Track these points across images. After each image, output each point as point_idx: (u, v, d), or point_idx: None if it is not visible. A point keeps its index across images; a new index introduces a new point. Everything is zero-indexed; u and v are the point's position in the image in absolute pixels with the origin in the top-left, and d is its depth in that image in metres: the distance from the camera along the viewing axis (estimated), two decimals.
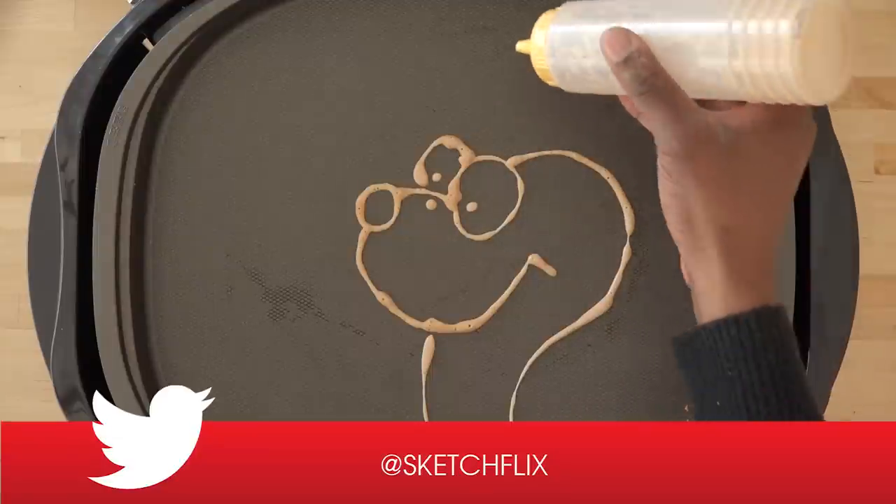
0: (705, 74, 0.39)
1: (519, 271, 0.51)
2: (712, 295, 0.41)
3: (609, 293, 0.51)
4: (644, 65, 0.40)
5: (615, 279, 0.51)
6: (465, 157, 0.52)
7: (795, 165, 0.42)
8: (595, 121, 0.52)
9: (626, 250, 0.51)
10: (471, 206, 0.52)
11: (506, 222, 0.52)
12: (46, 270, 0.51)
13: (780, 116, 0.40)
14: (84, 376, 0.50)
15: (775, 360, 0.40)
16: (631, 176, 0.52)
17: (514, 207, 0.52)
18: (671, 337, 0.43)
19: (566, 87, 0.46)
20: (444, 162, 0.52)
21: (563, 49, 0.44)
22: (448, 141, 0.52)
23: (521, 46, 0.47)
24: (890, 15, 0.61)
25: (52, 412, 0.51)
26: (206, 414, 0.51)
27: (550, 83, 0.47)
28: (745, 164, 0.40)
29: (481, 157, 0.52)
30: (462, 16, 0.52)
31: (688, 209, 0.41)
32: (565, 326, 0.51)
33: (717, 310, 0.41)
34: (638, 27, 0.40)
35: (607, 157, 0.51)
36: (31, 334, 0.51)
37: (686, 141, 0.40)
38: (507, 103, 0.52)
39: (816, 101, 0.37)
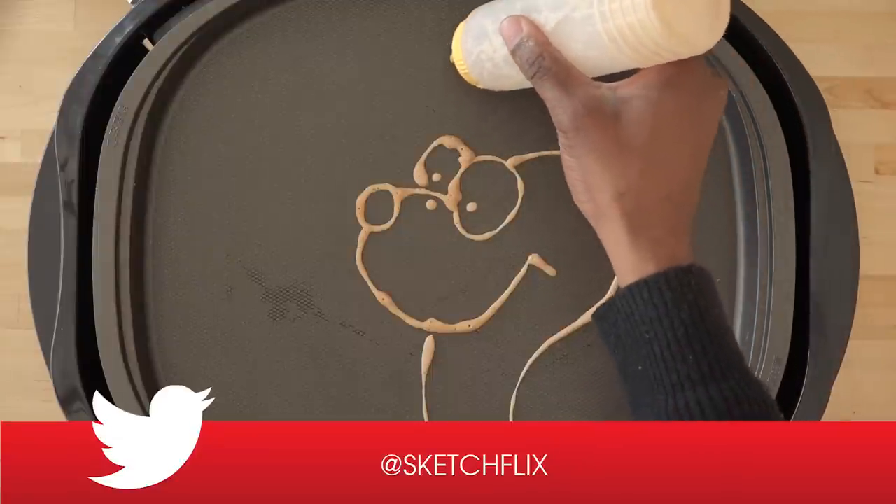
0: (589, 48, 0.40)
1: (519, 271, 0.51)
2: (621, 261, 0.42)
3: (609, 293, 0.51)
4: (532, 48, 0.41)
5: (615, 279, 0.51)
6: (465, 157, 0.52)
7: (697, 123, 0.42)
8: None
9: None
10: (471, 206, 0.52)
11: (506, 222, 0.52)
12: (46, 270, 0.51)
13: (669, 77, 0.41)
14: (84, 376, 0.50)
15: (688, 318, 0.40)
16: None
17: (514, 207, 0.52)
18: (592, 314, 0.44)
19: (490, 86, 0.48)
20: (444, 162, 0.52)
21: (475, 49, 0.46)
22: (448, 141, 0.52)
23: (452, 58, 0.50)
24: (890, 15, 0.61)
25: (52, 412, 0.51)
26: (206, 414, 0.51)
27: (479, 86, 0.49)
28: (633, 128, 0.41)
29: (481, 157, 0.52)
30: (462, 16, 0.52)
31: (585, 180, 0.43)
32: (565, 326, 0.51)
33: (628, 274, 0.42)
34: (529, 15, 0.42)
35: None
36: (31, 334, 0.51)
37: (574, 114, 0.41)
38: (507, 103, 0.52)
39: (690, 52, 0.38)
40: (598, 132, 0.41)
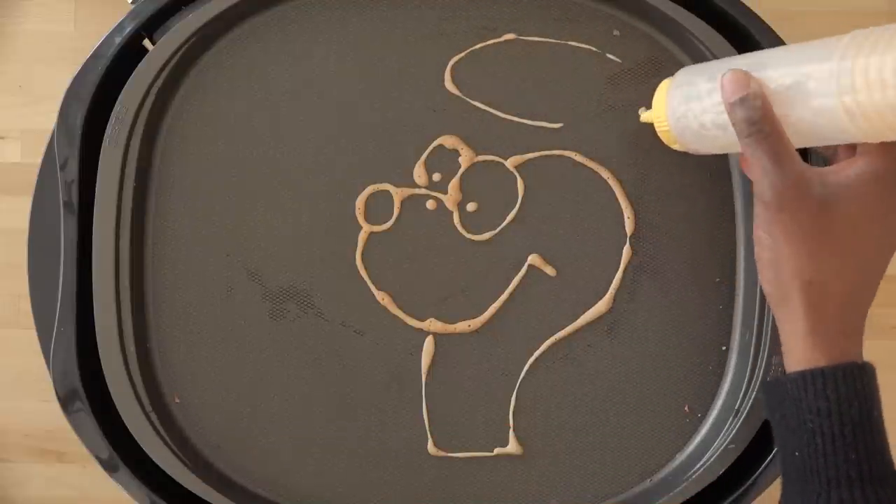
0: (818, 116, 0.39)
1: (519, 271, 0.51)
2: (795, 347, 0.42)
3: (609, 293, 0.51)
4: (756, 107, 0.40)
5: (615, 279, 0.51)
6: (465, 157, 0.52)
7: (894, 226, 0.41)
8: (595, 121, 0.52)
9: (627, 250, 0.51)
10: (471, 206, 0.52)
11: (506, 222, 0.52)
12: (46, 270, 0.51)
13: (882, 171, 0.40)
14: (84, 376, 0.50)
15: (857, 416, 0.39)
16: (631, 176, 0.52)
17: (514, 207, 0.52)
18: (761, 381, 0.45)
19: (688, 148, 0.47)
20: (444, 162, 0.52)
21: (681, 108, 0.45)
22: (448, 141, 0.52)
23: (644, 116, 0.49)
24: (890, 15, 0.61)
25: (52, 412, 0.51)
26: (207, 415, 0.51)
27: (674, 147, 0.48)
28: (836, 220, 0.40)
29: (481, 157, 0.52)
30: (462, 16, 0.52)
31: (775, 260, 0.42)
32: (565, 326, 0.51)
33: (799, 362, 0.41)
34: (754, 72, 0.41)
35: (607, 157, 0.52)
36: (31, 334, 0.51)
37: (779, 191, 0.40)
38: (507, 103, 0.52)
39: None
40: (801, 215, 0.40)
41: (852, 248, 0.41)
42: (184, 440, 0.51)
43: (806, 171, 0.40)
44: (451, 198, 0.52)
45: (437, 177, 0.52)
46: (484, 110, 0.52)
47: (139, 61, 0.51)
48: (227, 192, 0.52)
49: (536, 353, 0.51)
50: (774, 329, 0.49)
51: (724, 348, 0.51)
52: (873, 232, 0.41)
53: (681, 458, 0.51)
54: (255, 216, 0.52)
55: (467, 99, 0.52)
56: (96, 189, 0.50)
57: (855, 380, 0.40)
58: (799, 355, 0.41)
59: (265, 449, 0.51)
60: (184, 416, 0.51)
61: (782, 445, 0.42)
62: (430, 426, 0.51)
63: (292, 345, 0.51)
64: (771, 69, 0.41)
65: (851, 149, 0.42)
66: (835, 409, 0.40)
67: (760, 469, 0.49)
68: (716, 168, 0.52)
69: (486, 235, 0.52)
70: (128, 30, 0.51)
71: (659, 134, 0.48)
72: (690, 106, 0.45)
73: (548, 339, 0.51)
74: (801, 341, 0.41)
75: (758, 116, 0.40)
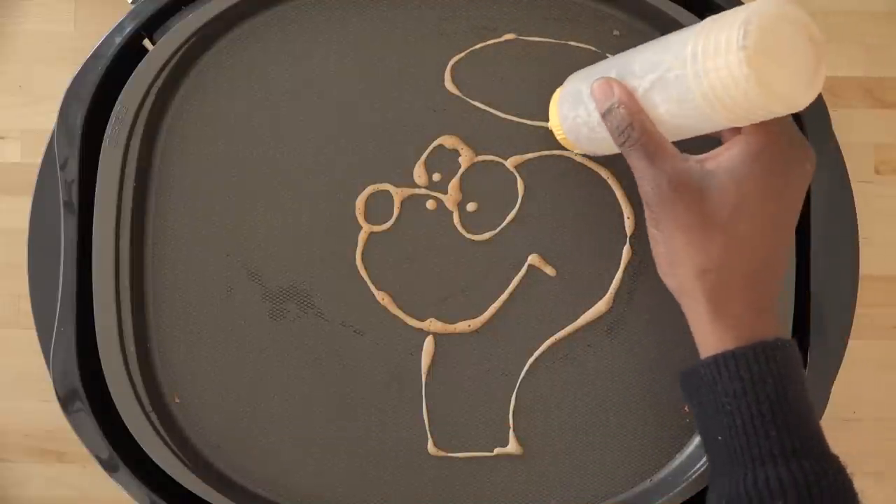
0: (682, 108, 0.39)
1: (519, 271, 0.51)
2: (703, 336, 0.42)
3: (609, 293, 0.51)
4: (622, 114, 0.41)
5: (615, 279, 0.51)
6: (465, 157, 0.52)
7: (782, 199, 0.41)
8: None
9: (626, 250, 0.51)
10: (471, 206, 0.52)
11: (506, 222, 0.52)
12: (46, 270, 0.51)
13: (755, 151, 0.40)
14: (84, 376, 0.50)
15: (773, 393, 0.40)
16: (631, 176, 0.51)
17: (514, 207, 0.52)
18: (679, 373, 0.44)
19: (588, 151, 0.48)
20: (444, 162, 0.52)
21: (571, 114, 0.46)
22: (448, 141, 0.52)
23: (549, 124, 0.49)
24: (890, 15, 0.61)
25: (52, 412, 0.51)
26: (207, 415, 0.51)
27: (576, 151, 0.49)
28: (717, 203, 0.40)
29: (481, 157, 0.52)
30: (462, 16, 0.52)
31: (668, 254, 0.42)
32: (565, 326, 0.51)
33: (710, 348, 0.42)
34: (624, 78, 0.42)
35: (607, 157, 0.51)
36: (31, 334, 0.51)
37: (659, 188, 0.41)
38: (507, 103, 0.52)
39: (787, 109, 0.37)
40: (682, 207, 0.41)
41: (739, 229, 0.41)
42: (184, 440, 0.51)
43: (683, 164, 0.41)
44: (451, 198, 0.52)
45: (437, 177, 0.52)
46: (484, 110, 0.52)
47: (139, 61, 0.51)
48: (227, 192, 0.52)
49: (536, 353, 0.51)
50: None
51: None
52: (757, 210, 0.41)
53: (681, 458, 0.51)
54: (255, 216, 0.52)
55: (467, 99, 0.52)
56: (96, 189, 0.50)
57: (767, 358, 0.40)
58: (708, 342, 0.42)
59: (265, 449, 0.51)
60: (184, 416, 0.51)
61: (705, 433, 0.43)
62: (430, 426, 0.51)
63: (292, 345, 0.51)
64: (638, 66, 0.41)
65: (738, 130, 0.42)
66: (749, 389, 0.40)
67: None
68: None
69: (486, 235, 0.52)
70: (128, 30, 0.51)
71: (559, 141, 0.49)
72: (578, 111, 0.45)
73: (548, 339, 0.51)
74: (708, 328, 0.42)
75: (625, 124, 0.41)
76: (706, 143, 0.43)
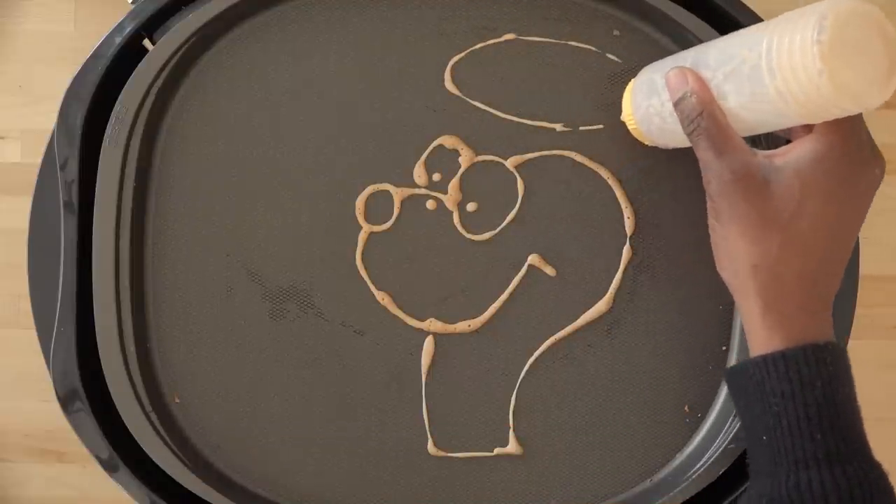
0: (755, 102, 0.39)
1: (519, 271, 0.51)
2: (754, 332, 0.42)
3: (609, 293, 0.51)
4: (693, 103, 0.41)
5: (615, 279, 0.51)
6: (465, 157, 0.52)
7: (846, 201, 0.41)
8: (595, 121, 0.52)
9: (626, 250, 0.51)
10: (471, 206, 0.52)
11: (506, 222, 0.52)
12: (46, 270, 0.51)
13: (824, 151, 0.40)
14: (84, 376, 0.50)
15: (821, 396, 0.39)
16: (631, 176, 0.52)
17: (514, 207, 0.52)
18: (725, 370, 0.44)
19: (659, 142, 0.48)
20: (444, 162, 0.52)
21: (644, 104, 0.46)
22: (448, 141, 0.52)
23: (622, 116, 0.49)
24: (890, 15, 0.61)
25: (52, 412, 0.51)
26: (207, 415, 0.51)
27: (647, 143, 0.49)
28: (779, 200, 0.40)
29: (481, 157, 0.52)
30: (462, 16, 0.52)
31: (726, 247, 0.42)
32: (565, 326, 0.51)
33: (760, 347, 0.41)
34: (698, 69, 0.42)
35: (607, 157, 0.52)
36: (31, 334, 0.51)
37: (722, 180, 0.41)
38: (507, 103, 0.52)
39: (859, 106, 0.37)
40: (743, 200, 0.40)
41: (797, 230, 0.40)
42: (184, 440, 0.51)
43: (750, 157, 0.40)
44: (451, 198, 0.52)
45: (437, 177, 0.52)
46: (484, 110, 0.52)
47: (139, 61, 0.51)
48: (227, 192, 0.52)
49: (536, 353, 0.51)
50: None
51: (724, 348, 0.51)
52: (819, 211, 0.40)
53: (681, 458, 0.51)
54: (255, 216, 0.52)
55: (467, 99, 0.52)
56: (96, 189, 0.50)
57: (817, 361, 0.40)
58: (759, 340, 0.42)
59: (265, 449, 0.51)
60: (184, 416, 0.51)
61: (749, 431, 0.42)
62: (430, 426, 0.51)
63: (292, 345, 0.51)
64: (713, 58, 0.41)
65: (808, 129, 0.41)
66: (798, 391, 0.40)
67: None
68: None
69: (486, 235, 0.52)
70: (128, 30, 0.51)
71: (631, 131, 0.49)
72: (651, 101, 0.46)
73: (548, 339, 0.51)
74: (758, 324, 0.41)
75: (695, 113, 0.41)
76: (774, 143, 0.43)
